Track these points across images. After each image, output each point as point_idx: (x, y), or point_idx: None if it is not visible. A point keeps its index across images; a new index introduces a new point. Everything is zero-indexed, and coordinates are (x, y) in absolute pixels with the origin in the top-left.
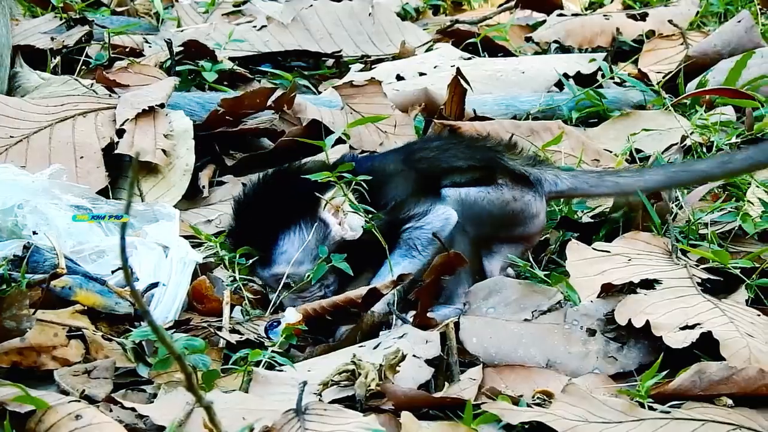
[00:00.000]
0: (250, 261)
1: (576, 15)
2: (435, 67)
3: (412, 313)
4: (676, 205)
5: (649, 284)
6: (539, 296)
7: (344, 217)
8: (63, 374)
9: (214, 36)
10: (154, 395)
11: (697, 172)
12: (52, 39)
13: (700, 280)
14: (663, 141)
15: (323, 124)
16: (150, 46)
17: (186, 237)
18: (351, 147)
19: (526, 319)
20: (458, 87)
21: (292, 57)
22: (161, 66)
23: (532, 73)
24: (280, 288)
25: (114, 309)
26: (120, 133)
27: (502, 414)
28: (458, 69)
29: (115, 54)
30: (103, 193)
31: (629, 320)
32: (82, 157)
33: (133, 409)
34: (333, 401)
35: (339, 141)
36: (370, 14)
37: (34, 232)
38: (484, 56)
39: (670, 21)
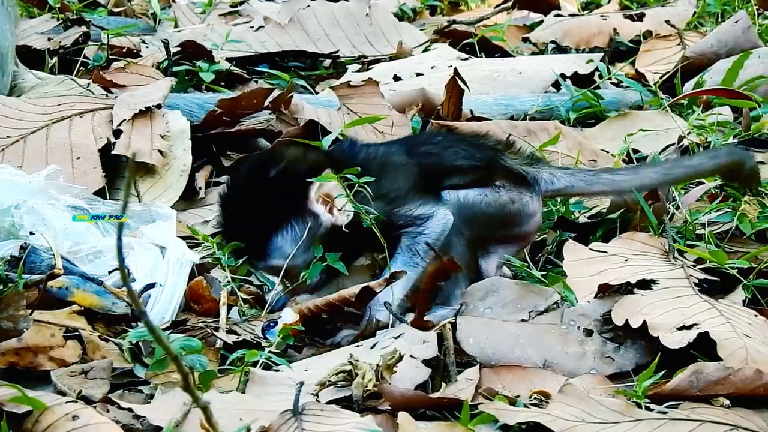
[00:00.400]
0: (242, 260)
1: (573, 15)
2: (432, 68)
3: (410, 316)
4: (673, 206)
5: (646, 285)
6: (536, 297)
7: (334, 204)
8: (60, 375)
9: (211, 36)
10: (151, 396)
11: (691, 168)
12: (50, 39)
13: (697, 281)
14: (660, 141)
15: (320, 124)
16: (147, 47)
17: (183, 237)
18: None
19: (523, 320)
20: (455, 87)
21: (290, 57)
22: (158, 66)
23: (530, 74)
24: (280, 278)
25: (111, 309)
26: (117, 133)
27: (499, 414)
28: (455, 69)
29: (113, 54)
30: (100, 193)
31: (626, 320)
32: (78, 158)
33: (130, 410)
34: (330, 401)
35: (336, 141)
36: (367, 15)
37: (31, 233)
38: (481, 57)
39: (667, 21)
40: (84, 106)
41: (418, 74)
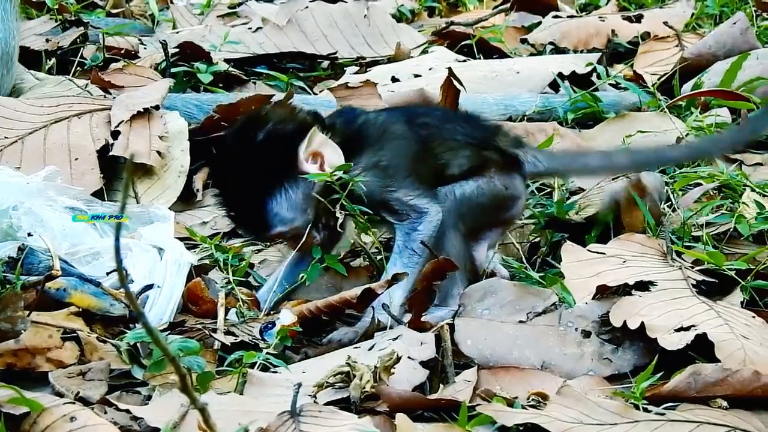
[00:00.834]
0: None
1: (571, 17)
2: (430, 69)
3: (408, 317)
4: (669, 207)
5: (644, 286)
6: (534, 298)
7: (324, 160)
8: (58, 376)
9: (209, 38)
10: (149, 397)
11: (665, 158)
12: (47, 40)
13: (695, 282)
14: (658, 142)
15: None
16: (145, 48)
17: (181, 239)
18: None
19: (521, 321)
20: (451, 88)
21: (288, 59)
22: (156, 67)
23: (528, 73)
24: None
25: (109, 311)
26: (115, 134)
27: (496, 416)
28: (450, 69)
29: (110, 55)
30: (98, 194)
31: (624, 322)
32: (76, 159)
33: (127, 411)
34: (328, 403)
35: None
36: (365, 16)
37: (29, 234)
38: (480, 58)
39: (665, 23)
40: (82, 107)
41: (416, 75)
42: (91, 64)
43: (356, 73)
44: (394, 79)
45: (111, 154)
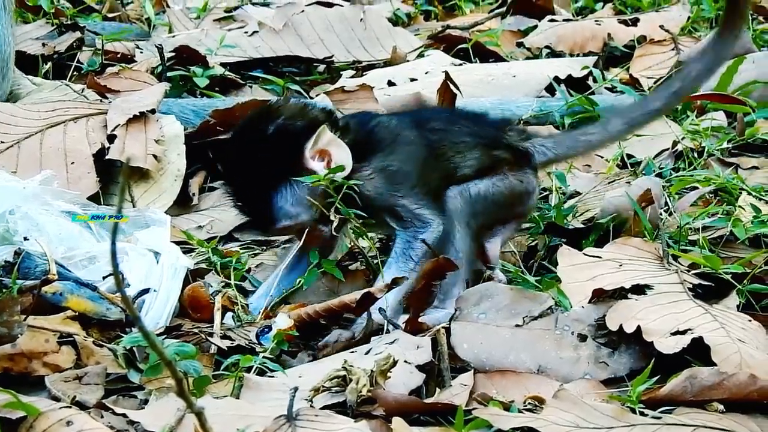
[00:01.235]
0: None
1: (567, 20)
2: (426, 73)
3: (404, 317)
4: (666, 211)
5: (640, 290)
6: (530, 302)
7: (331, 159)
8: (54, 380)
9: (205, 42)
10: (145, 401)
11: (653, 110)
12: (44, 45)
13: (691, 286)
14: (654, 146)
15: None
16: (141, 52)
17: (177, 243)
18: None
19: (517, 325)
20: (448, 91)
21: (284, 62)
22: (152, 72)
23: (524, 77)
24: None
25: (105, 315)
26: (111, 138)
27: (493, 420)
28: (447, 73)
29: (107, 60)
30: (94, 199)
31: (620, 325)
32: (73, 163)
33: (124, 415)
34: (324, 407)
35: None
36: (361, 20)
37: (26, 238)
38: (476, 62)
39: (661, 26)
40: (78, 111)
41: (413, 79)
42: (87, 69)
43: (352, 76)
44: (391, 83)
45: (107, 158)
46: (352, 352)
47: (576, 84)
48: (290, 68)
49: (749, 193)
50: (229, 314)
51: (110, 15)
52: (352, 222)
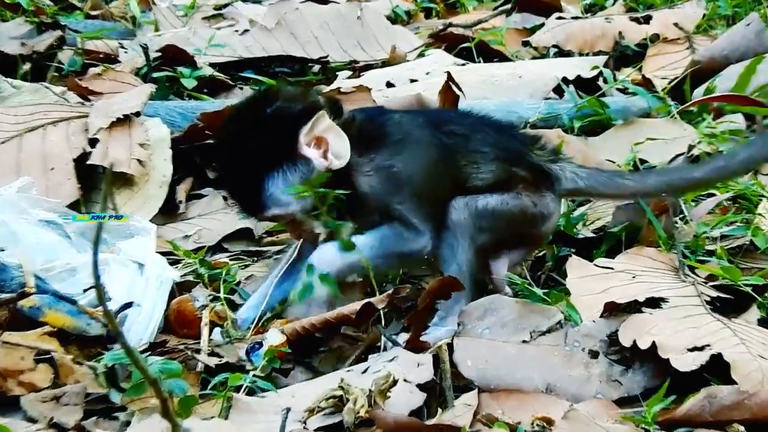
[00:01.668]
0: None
1: (576, 18)
2: (427, 73)
3: (404, 335)
4: (681, 219)
5: (655, 303)
6: (538, 316)
7: (327, 148)
8: (30, 400)
9: (193, 41)
10: (128, 423)
11: (693, 179)
12: (23, 44)
13: (709, 299)
14: (669, 151)
15: None
16: (125, 52)
17: (163, 253)
18: None
19: (524, 341)
20: (450, 93)
21: (276, 63)
22: (137, 73)
23: (530, 78)
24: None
25: (85, 330)
26: (93, 142)
27: None
28: (449, 74)
29: (89, 60)
30: (75, 206)
31: (634, 341)
32: (52, 169)
33: None
34: (319, 429)
35: None
36: (358, 18)
37: (1, 249)
38: (479, 62)
39: (675, 24)
40: (58, 114)
41: (413, 80)
42: (68, 69)
43: (349, 77)
44: (389, 84)
45: (89, 163)
46: (348, 370)
47: (585, 85)
48: (283, 68)
49: None
50: (218, 330)
51: (93, 13)
52: (341, 234)
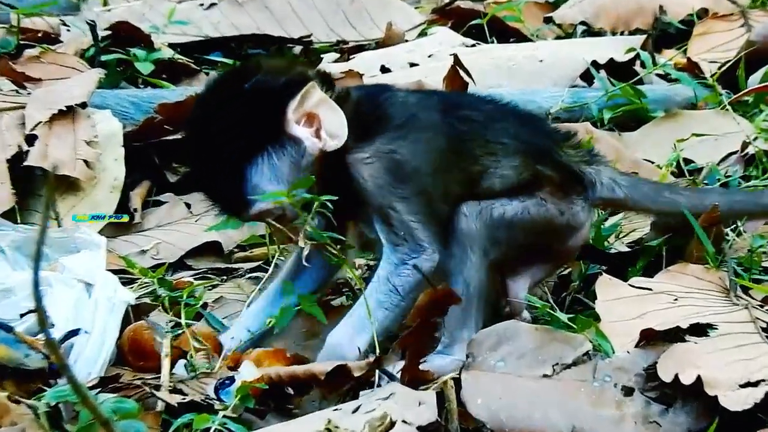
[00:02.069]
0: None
1: None
2: (429, 56)
3: (400, 365)
4: (733, 231)
5: (700, 330)
6: (562, 345)
7: (320, 125)
8: None
9: (149, 16)
10: None
11: (762, 205)
12: None
13: (765, 325)
14: (718, 149)
15: None
16: (68, 30)
17: (114, 271)
18: None
19: (545, 375)
20: (457, 80)
21: (249, 43)
22: (83, 55)
23: (553, 62)
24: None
25: (23, 363)
26: (30, 139)
27: None
28: (456, 57)
29: (25, 40)
30: (9, 215)
31: (676, 376)
32: None
33: None
34: None
35: None
36: None
37: None
38: (492, 42)
39: None
40: None
41: (412, 64)
42: (0, 51)
43: (336, 61)
44: (385, 69)
45: (26, 164)
46: (336, 409)
47: (619, 70)
48: (257, 50)
49: None
50: (181, 362)
51: None
52: (329, 250)
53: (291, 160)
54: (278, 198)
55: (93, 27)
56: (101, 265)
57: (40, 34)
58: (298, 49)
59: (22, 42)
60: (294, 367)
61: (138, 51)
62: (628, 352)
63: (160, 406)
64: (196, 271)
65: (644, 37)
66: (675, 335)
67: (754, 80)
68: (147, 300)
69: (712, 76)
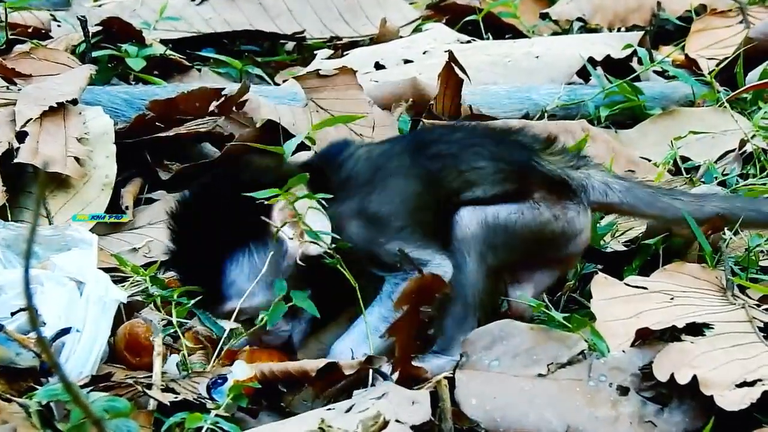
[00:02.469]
0: (191, 302)
1: None
2: (424, 53)
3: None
4: (730, 230)
5: (696, 330)
6: (557, 345)
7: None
8: None
9: (141, 12)
10: None
11: (764, 213)
12: None
13: (762, 324)
14: (717, 146)
15: (281, 125)
16: (59, 26)
17: (106, 270)
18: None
19: (540, 375)
20: (452, 77)
21: (242, 39)
22: (73, 51)
23: (549, 59)
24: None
25: (14, 361)
26: (21, 136)
27: None
28: (451, 54)
29: (14, 35)
30: None
31: (671, 375)
32: None
33: None
34: None
35: (301, 146)
36: None
37: None
38: (488, 38)
39: None
40: None
41: (407, 61)
42: None
43: (330, 57)
44: (379, 66)
45: (16, 161)
46: (329, 409)
47: (616, 67)
48: (250, 46)
49: None
50: (173, 359)
51: None
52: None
53: (272, 261)
54: (274, 197)
55: (84, 23)
56: (92, 263)
57: (30, 30)
58: (291, 45)
59: (12, 37)
60: (286, 363)
61: (129, 47)
62: (623, 351)
63: (152, 404)
64: None
65: (641, 33)
66: (671, 335)
67: (753, 77)
68: (139, 298)
69: (710, 73)
